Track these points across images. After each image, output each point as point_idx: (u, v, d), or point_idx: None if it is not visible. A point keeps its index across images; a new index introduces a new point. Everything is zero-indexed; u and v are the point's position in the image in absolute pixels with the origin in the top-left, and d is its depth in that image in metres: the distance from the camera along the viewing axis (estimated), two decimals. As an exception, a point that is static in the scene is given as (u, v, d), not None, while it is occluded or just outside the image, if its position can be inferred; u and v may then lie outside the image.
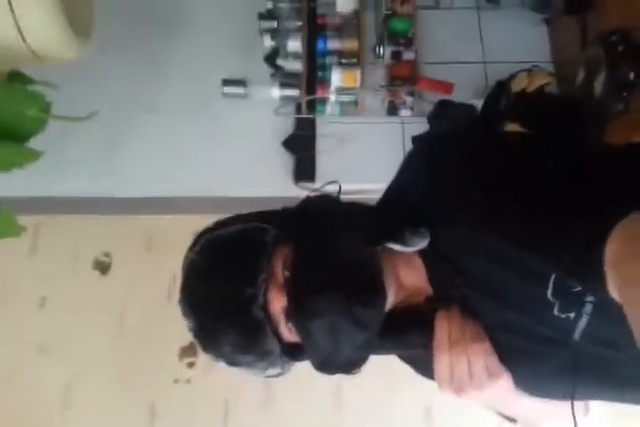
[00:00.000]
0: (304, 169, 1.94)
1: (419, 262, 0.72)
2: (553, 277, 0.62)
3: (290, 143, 1.97)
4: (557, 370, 0.68)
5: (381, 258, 0.69)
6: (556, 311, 0.64)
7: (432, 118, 1.89)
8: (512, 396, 0.70)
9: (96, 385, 1.69)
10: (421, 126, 1.87)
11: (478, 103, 1.92)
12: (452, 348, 0.67)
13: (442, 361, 0.67)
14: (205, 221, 2.09)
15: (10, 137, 1.32)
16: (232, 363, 0.67)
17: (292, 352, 0.68)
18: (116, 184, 1.83)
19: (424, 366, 0.80)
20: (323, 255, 0.66)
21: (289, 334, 0.66)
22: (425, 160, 0.71)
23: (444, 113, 1.88)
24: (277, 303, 0.65)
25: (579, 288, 0.62)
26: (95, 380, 1.70)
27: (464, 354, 0.67)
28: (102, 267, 1.85)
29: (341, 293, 0.64)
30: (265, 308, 0.64)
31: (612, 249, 0.51)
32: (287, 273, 0.66)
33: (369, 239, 0.68)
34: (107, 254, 1.86)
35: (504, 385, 0.68)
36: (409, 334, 0.71)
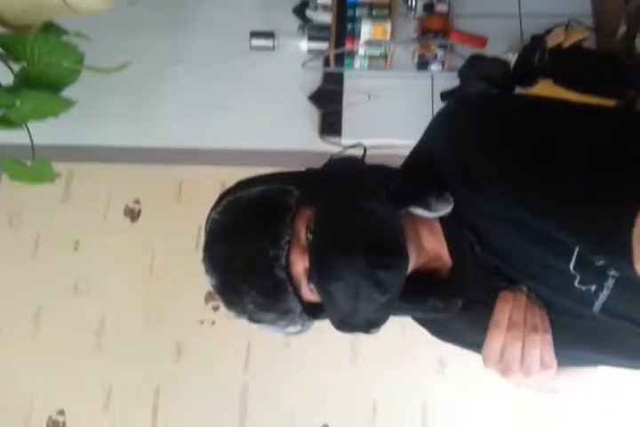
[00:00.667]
0: (330, 123, 1.95)
1: (439, 229, 0.71)
2: (577, 250, 0.62)
3: (317, 97, 1.97)
4: (576, 340, 0.70)
5: (404, 222, 0.68)
6: (576, 284, 0.64)
7: (463, 74, 1.85)
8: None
9: (126, 324, 1.80)
10: (452, 82, 1.85)
11: (512, 58, 1.87)
12: (510, 330, 0.66)
13: (495, 341, 0.67)
14: (232, 173, 2.13)
15: (45, 87, 1.37)
16: (254, 320, 0.68)
17: (313, 311, 0.68)
18: (146, 134, 1.88)
19: (440, 330, 0.84)
20: (346, 218, 0.66)
21: (310, 294, 0.67)
22: (457, 121, 0.69)
23: (476, 68, 1.84)
24: (300, 265, 0.65)
25: (602, 262, 0.62)
26: (126, 319, 1.81)
27: (520, 339, 0.66)
28: (132, 214, 1.92)
29: (364, 256, 0.63)
30: (287, 269, 0.65)
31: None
32: (310, 235, 0.66)
33: (393, 202, 0.68)
34: (137, 202, 1.92)
35: (551, 374, 0.68)
36: (429, 299, 0.71)
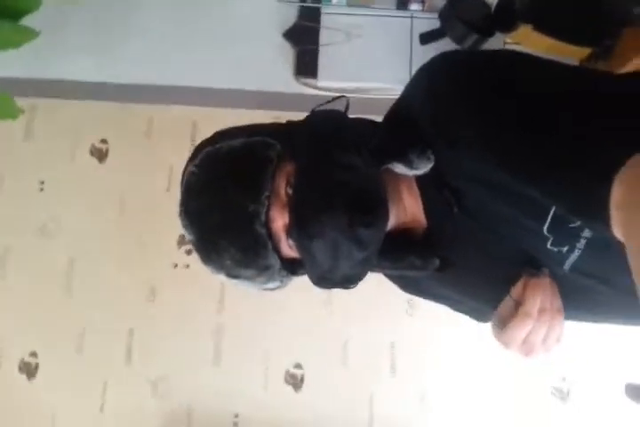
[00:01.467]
0: (306, 63, 1.89)
1: (416, 188, 0.71)
2: (552, 212, 0.63)
3: (292, 34, 1.90)
4: None
5: (385, 179, 0.68)
6: (549, 245, 0.66)
7: (444, 15, 1.82)
8: None
9: (97, 267, 1.79)
10: (431, 23, 1.81)
11: (494, 1, 1.84)
12: (539, 316, 0.68)
13: (523, 329, 0.68)
14: (204, 112, 2.08)
15: (3, 15, 1.27)
16: (232, 276, 0.68)
17: (292, 268, 0.69)
18: (113, 70, 1.79)
19: (408, 284, 0.86)
20: (327, 173, 0.65)
21: (289, 250, 0.67)
22: (438, 78, 0.67)
23: (456, 10, 1.81)
24: (279, 221, 0.65)
25: (576, 224, 0.63)
26: (96, 262, 1.79)
27: (546, 324, 0.68)
28: (100, 154, 1.86)
29: (344, 212, 0.63)
30: (267, 225, 0.64)
31: (619, 191, 0.50)
32: (290, 191, 0.65)
33: (374, 158, 0.67)
34: (104, 141, 1.86)
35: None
36: (407, 256, 0.71)
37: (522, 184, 0.60)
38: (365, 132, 0.70)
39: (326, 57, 1.89)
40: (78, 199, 1.82)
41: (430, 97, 0.67)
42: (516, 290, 0.69)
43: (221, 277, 0.68)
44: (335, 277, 0.68)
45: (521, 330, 0.68)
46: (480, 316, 0.91)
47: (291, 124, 0.72)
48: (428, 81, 0.69)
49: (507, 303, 0.70)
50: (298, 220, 0.64)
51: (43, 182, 1.83)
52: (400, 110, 0.74)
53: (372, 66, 1.88)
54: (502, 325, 0.70)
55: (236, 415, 1.73)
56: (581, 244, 0.65)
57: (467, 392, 1.76)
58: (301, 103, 1.90)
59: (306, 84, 1.89)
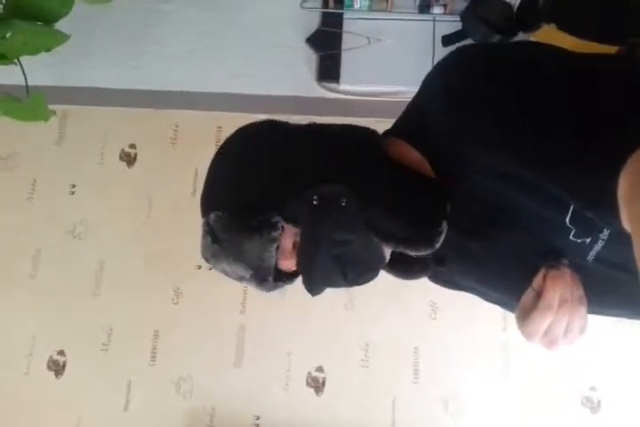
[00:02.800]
0: (328, 68, 1.93)
1: (427, 165, 0.73)
2: (573, 204, 0.63)
3: (315, 40, 1.94)
4: None
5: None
6: (571, 237, 0.67)
7: (465, 17, 1.83)
8: None
9: (125, 268, 1.85)
10: (453, 26, 1.82)
11: (516, 2, 1.85)
12: (559, 308, 0.68)
13: (544, 320, 0.68)
14: (228, 117, 2.14)
15: (36, 18, 1.34)
16: (218, 262, 0.71)
17: (285, 278, 0.75)
18: (140, 77, 1.87)
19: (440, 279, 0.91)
20: (323, 248, 0.70)
21: (288, 264, 0.72)
22: (454, 74, 0.67)
23: (478, 11, 1.82)
24: (289, 241, 0.70)
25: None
26: (124, 263, 1.85)
27: (567, 315, 0.68)
28: (129, 159, 1.93)
29: (343, 279, 0.72)
30: (278, 237, 0.68)
31: (625, 185, 0.51)
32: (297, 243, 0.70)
33: (380, 237, 0.70)
34: (132, 146, 1.93)
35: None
36: (413, 267, 0.78)
37: (540, 178, 0.61)
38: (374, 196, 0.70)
39: (348, 61, 1.92)
40: (107, 202, 1.89)
41: (446, 94, 0.67)
42: (536, 281, 0.69)
43: (240, 285, 0.75)
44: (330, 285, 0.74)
45: (542, 323, 0.68)
46: (507, 307, 0.91)
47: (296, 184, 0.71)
48: (444, 78, 0.69)
49: (528, 295, 0.70)
50: (305, 279, 0.72)
51: (74, 186, 1.91)
52: (414, 110, 0.75)
53: (395, 69, 1.90)
54: (524, 317, 0.70)
55: (258, 417, 1.75)
56: (605, 234, 0.66)
57: (491, 399, 1.74)
58: (324, 107, 1.96)
59: (328, 89, 1.93)
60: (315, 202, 0.68)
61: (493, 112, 0.62)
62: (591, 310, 0.74)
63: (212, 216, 0.68)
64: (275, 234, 0.67)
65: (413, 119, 0.74)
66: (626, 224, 0.53)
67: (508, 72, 0.63)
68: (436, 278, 0.89)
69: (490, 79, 0.63)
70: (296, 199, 0.68)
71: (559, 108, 0.59)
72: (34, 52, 1.35)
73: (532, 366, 1.72)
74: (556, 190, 0.61)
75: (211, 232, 0.69)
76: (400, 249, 0.70)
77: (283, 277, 0.75)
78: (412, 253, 0.71)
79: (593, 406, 1.73)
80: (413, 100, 0.76)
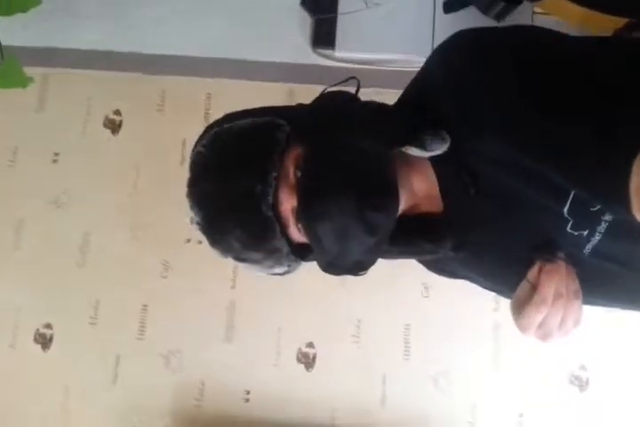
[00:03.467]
0: (323, 33, 1.86)
1: (431, 169, 0.71)
2: (572, 195, 0.63)
3: (310, 2, 1.87)
4: None
5: (396, 161, 0.67)
6: (569, 228, 0.66)
7: (468, -18, 1.77)
8: None
9: (111, 240, 1.81)
10: (456, -9, 1.77)
11: (522, -34, 1.79)
12: (554, 302, 0.67)
13: (538, 314, 0.68)
14: (218, 84, 2.07)
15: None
16: (239, 259, 0.68)
17: (300, 252, 0.68)
18: (125, 39, 1.79)
19: (436, 267, 0.87)
20: (336, 156, 0.65)
21: (298, 234, 0.67)
22: (458, 58, 0.67)
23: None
24: (288, 204, 0.65)
25: (597, 208, 0.63)
26: (109, 235, 1.81)
27: (562, 310, 0.68)
28: (113, 126, 1.87)
29: (353, 196, 0.63)
30: (274, 207, 0.64)
31: (637, 175, 0.50)
32: (299, 173, 0.65)
33: (386, 141, 0.66)
34: (117, 113, 1.87)
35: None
36: (418, 241, 0.71)
37: (543, 167, 0.60)
38: (377, 115, 0.69)
39: (345, 27, 1.85)
40: (92, 172, 1.84)
41: (448, 79, 0.66)
42: (531, 274, 0.68)
43: (229, 260, 0.69)
44: (344, 263, 0.68)
45: (536, 316, 0.68)
46: (503, 295, 0.90)
47: (301, 106, 0.73)
48: (444, 62, 0.68)
49: (524, 287, 0.69)
50: (305, 202, 0.64)
51: (57, 154, 1.85)
52: (416, 90, 0.74)
53: (393, 36, 1.84)
54: (519, 310, 0.69)
55: (248, 392, 1.76)
56: (602, 227, 0.65)
57: (481, 376, 1.76)
58: (318, 75, 1.90)
59: (323, 55, 1.86)
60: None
61: (495, 97, 0.61)
62: (585, 302, 0.74)
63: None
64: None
65: (412, 106, 0.71)
66: (637, 215, 0.52)
67: (507, 57, 0.62)
68: (430, 266, 0.88)
69: (491, 64, 0.63)
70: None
71: (567, 94, 0.58)
72: (7, 13, 1.28)
73: (522, 345, 1.73)
74: (558, 178, 0.60)
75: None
76: (408, 146, 0.66)
77: (298, 252, 0.69)
78: (422, 152, 0.65)
79: (581, 384, 1.76)
80: (411, 87, 0.75)
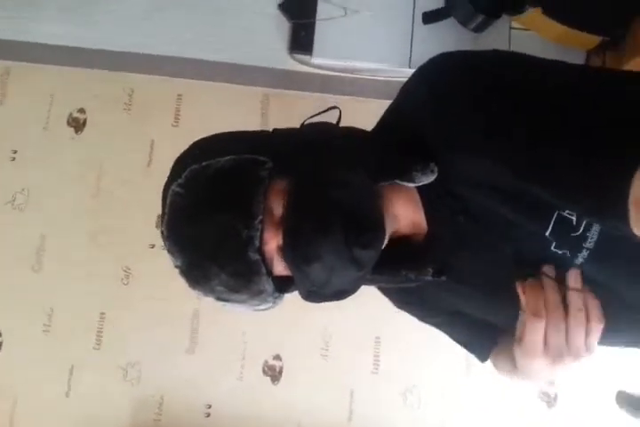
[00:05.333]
0: (301, 38, 1.86)
1: (416, 195, 0.71)
2: (555, 216, 0.63)
3: (288, 6, 1.87)
4: None
5: (381, 191, 0.67)
6: (553, 248, 0.66)
7: (448, -7, 1.81)
8: None
9: (70, 244, 1.76)
10: (435, 3, 1.79)
11: (501, -19, 1.83)
12: (549, 315, 0.65)
13: (536, 330, 0.65)
14: (189, 85, 2.05)
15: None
16: (222, 299, 0.67)
17: (284, 287, 0.68)
18: (93, 35, 1.75)
19: (405, 299, 0.87)
20: (322, 192, 0.64)
21: (281, 269, 0.66)
22: (439, 81, 0.67)
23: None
24: (273, 242, 0.64)
25: (578, 233, 0.64)
26: (68, 239, 1.77)
27: (562, 322, 0.64)
28: (77, 124, 1.83)
29: (340, 233, 0.62)
30: (260, 249, 0.63)
31: (638, 188, 0.50)
32: (283, 210, 0.64)
33: (373, 176, 0.66)
34: (82, 111, 1.83)
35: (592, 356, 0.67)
36: (401, 270, 0.71)
37: (532, 186, 0.60)
38: (362, 148, 0.69)
39: (323, 33, 1.85)
40: (52, 171, 1.79)
41: (431, 102, 0.66)
42: (522, 300, 0.67)
43: (210, 300, 0.68)
44: (327, 292, 0.67)
45: (535, 332, 0.65)
46: (480, 347, 0.91)
47: (280, 136, 0.71)
48: (426, 85, 0.68)
49: (521, 321, 0.67)
50: (292, 242, 0.63)
51: (15, 151, 1.80)
52: (396, 119, 0.73)
53: (371, 45, 1.85)
54: (519, 342, 0.67)
55: (209, 406, 1.73)
56: (584, 253, 0.65)
57: (450, 392, 1.76)
58: (294, 81, 1.90)
59: (300, 61, 1.87)
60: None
61: (485, 121, 0.61)
62: None
63: None
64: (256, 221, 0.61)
65: (396, 134, 0.71)
66: (636, 230, 0.52)
67: (496, 79, 0.63)
68: (402, 302, 0.88)
69: (477, 87, 0.63)
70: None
71: (556, 114, 0.58)
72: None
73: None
74: (548, 198, 0.60)
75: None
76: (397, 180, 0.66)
77: (281, 287, 0.68)
78: (410, 184, 0.66)
79: (549, 400, 1.78)
80: (392, 109, 0.75)
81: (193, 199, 0.64)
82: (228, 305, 0.68)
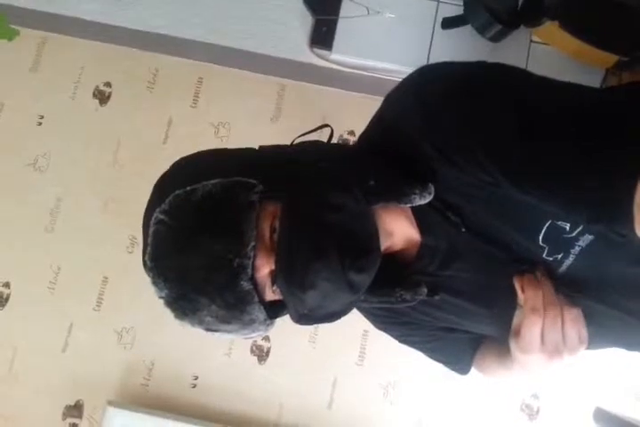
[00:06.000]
0: (323, 33, 1.92)
1: (409, 209, 0.69)
2: (547, 224, 0.64)
3: (313, 2, 1.94)
4: None
5: (375, 211, 0.65)
6: (544, 255, 0.67)
7: (469, 1, 1.86)
8: None
9: (83, 209, 1.85)
10: (457, 9, 1.84)
11: (522, -6, 1.87)
12: (547, 311, 0.65)
13: (535, 326, 0.65)
14: (211, 70, 2.11)
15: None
16: (211, 330, 0.65)
17: (275, 313, 0.66)
18: (128, 14, 1.84)
19: (386, 319, 0.87)
20: (315, 216, 0.61)
21: (272, 294, 0.64)
22: (429, 92, 0.65)
23: (483, -2, 1.84)
24: (265, 269, 0.62)
25: (571, 235, 0.65)
26: (82, 204, 1.86)
27: (559, 318, 0.65)
28: (102, 97, 1.92)
29: (336, 258, 0.60)
30: (252, 277, 0.60)
31: None
32: (276, 235, 0.61)
33: (368, 197, 0.64)
34: (108, 84, 1.92)
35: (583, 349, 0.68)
36: (396, 291, 0.69)
37: (530, 194, 0.60)
38: (355, 166, 0.66)
39: (344, 30, 1.92)
40: (74, 139, 1.88)
41: (424, 112, 0.64)
42: (520, 296, 0.68)
43: (198, 329, 0.65)
44: (318, 315, 0.65)
45: (531, 328, 0.66)
46: (460, 362, 0.93)
47: (269, 155, 0.67)
48: (417, 96, 0.66)
49: (518, 315, 0.69)
50: (287, 269, 0.60)
51: (42, 117, 1.90)
52: (384, 130, 0.72)
53: (390, 46, 1.90)
54: (515, 335, 0.68)
55: (196, 378, 1.79)
56: (576, 250, 0.66)
57: (431, 393, 1.79)
58: (312, 74, 1.97)
59: (319, 55, 1.93)
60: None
61: (483, 131, 0.61)
62: None
63: None
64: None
65: (390, 150, 0.69)
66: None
67: (484, 86, 0.63)
68: (381, 322, 0.90)
69: (473, 98, 0.62)
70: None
71: (557, 121, 0.59)
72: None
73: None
74: (548, 206, 0.61)
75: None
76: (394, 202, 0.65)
77: (272, 313, 0.66)
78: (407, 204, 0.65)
79: (531, 413, 1.80)
80: (379, 122, 0.73)
81: (178, 227, 0.60)
82: (217, 335, 0.66)
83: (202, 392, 1.80)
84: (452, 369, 0.96)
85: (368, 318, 0.90)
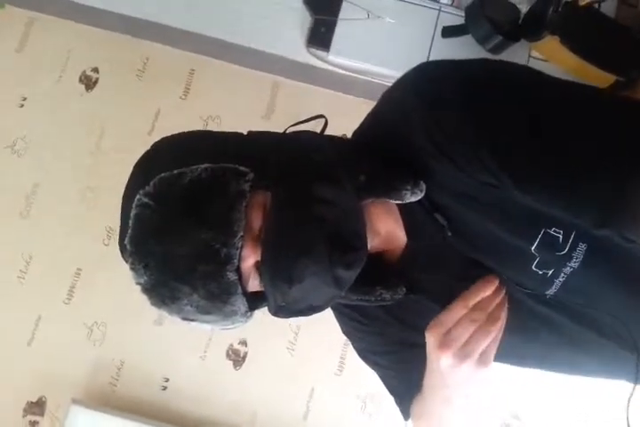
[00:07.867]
0: (320, 34, 1.92)
1: (396, 208, 0.69)
2: (542, 233, 0.64)
3: (313, 1, 1.95)
4: (518, 330, 0.71)
5: (364, 207, 0.65)
6: (534, 266, 0.66)
7: (471, 11, 1.88)
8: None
9: (60, 196, 1.81)
10: (458, 19, 1.87)
11: (525, 9, 1.90)
12: (473, 310, 0.65)
13: (453, 312, 0.65)
14: (203, 62, 2.08)
15: None
16: (189, 320, 0.64)
17: (255, 303, 0.65)
18: (123, 0, 1.82)
19: (355, 326, 0.85)
20: (305, 208, 0.61)
21: (254, 285, 0.63)
22: (428, 89, 0.65)
23: (485, 8, 1.86)
24: (251, 259, 0.61)
25: (563, 252, 0.65)
26: (59, 191, 1.81)
27: (476, 324, 0.64)
28: (88, 82, 1.88)
29: (324, 253, 0.60)
30: (238, 267, 0.59)
31: None
32: (264, 226, 0.61)
33: (359, 191, 0.64)
34: (95, 70, 1.89)
35: (482, 373, 0.66)
36: (377, 289, 0.69)
37: (534, 197, 0.60)
38: (347, 159, 0.66)
39: (343, 32, 1.92)
40: (56, 123, 1.84)
41: (426, 111, 0.64)
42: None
43: (175, 319, 0.64)
44: (297, 308, 0.64)
45: (450, 312, 0.65)
46: (406, 401, 0.89)
47: (259, 142, 0.66)
48: (416, 94, 0.66)
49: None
50: (274, 262, 0.60)
51: (24, 99, 1.85)
52: (379, 125, 0.72)
53: (388, 51, 1.91)
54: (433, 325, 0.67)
55: (167, 380, 1.76)
56: (567, 270, 0.66)
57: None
58: (307, 74, 1.96)
59: (316, 56, 1.93)
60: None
61: (488, 132, 0.61)
62: (508, 360, 0.74)
63: None
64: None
65: (383, 146, 0.69)
66: None
67: (487, 84, 0.64)
68: (351, 329, 0.87)
69: (474, 96, 0.62)
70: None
71: (564, 123, 0.59)
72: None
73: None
74: (559, 210, 0.61)
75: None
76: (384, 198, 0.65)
77: (253, 304, 0.65)
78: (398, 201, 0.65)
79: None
80: (374, 119, 0.73)
81: (164, 213, 0.59)
82: (194, 324, 0.65)
83: (172, 395, 1.75)
84: (397, 406, 0.94)
85: (338, 320, 0.88)
